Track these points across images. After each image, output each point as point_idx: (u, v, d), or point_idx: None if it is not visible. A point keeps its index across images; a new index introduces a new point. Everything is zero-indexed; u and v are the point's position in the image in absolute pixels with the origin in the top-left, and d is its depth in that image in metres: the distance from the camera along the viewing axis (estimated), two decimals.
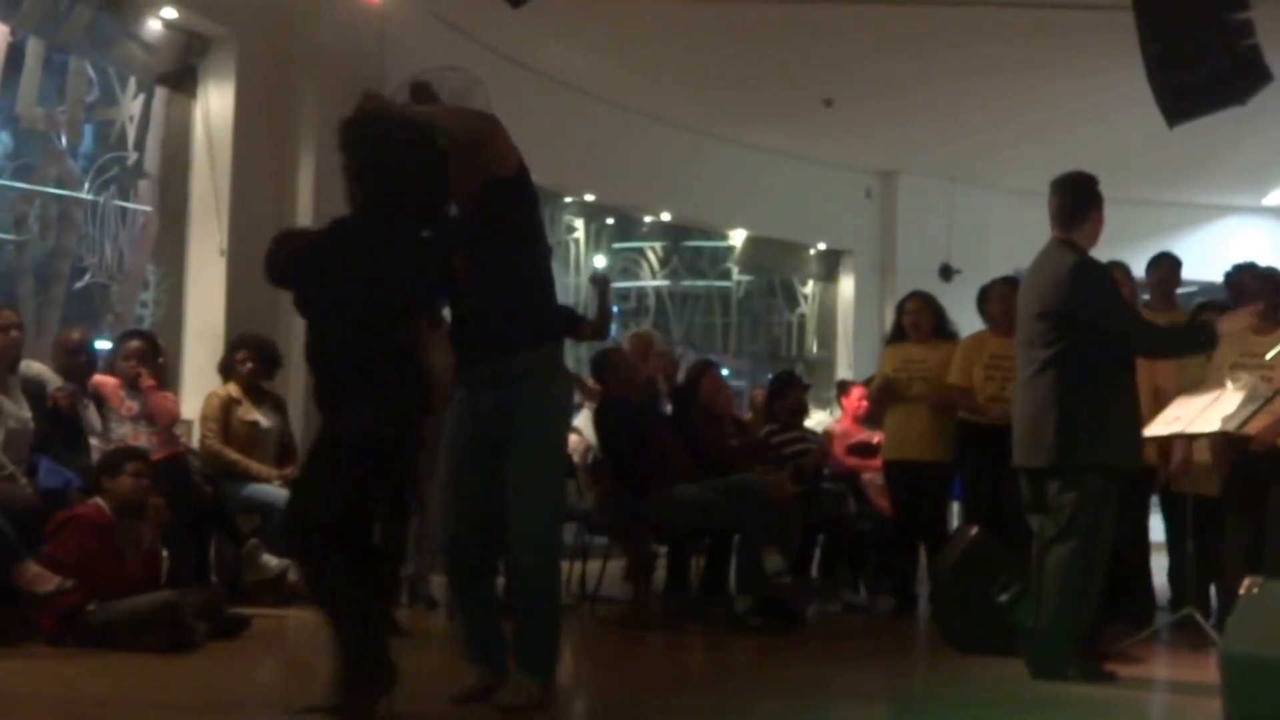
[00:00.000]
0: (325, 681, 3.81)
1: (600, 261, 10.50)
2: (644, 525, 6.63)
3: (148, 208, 7.28)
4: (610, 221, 11.56)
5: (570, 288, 10.75)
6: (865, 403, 8.17)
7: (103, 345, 6.68)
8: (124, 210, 7.15)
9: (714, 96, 10.55)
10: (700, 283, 12.35)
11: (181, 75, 7.36)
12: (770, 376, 8.96)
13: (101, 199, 7.02)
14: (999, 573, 5.56)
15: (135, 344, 6.31)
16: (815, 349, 13.08)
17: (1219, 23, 5.50)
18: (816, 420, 9.25)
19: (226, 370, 6.68)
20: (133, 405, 6.17)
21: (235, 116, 7.24)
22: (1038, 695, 4.74)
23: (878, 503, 7.56)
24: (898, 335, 7.27)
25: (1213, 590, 6.31)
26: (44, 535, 5.23)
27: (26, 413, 5.67)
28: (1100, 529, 4.91)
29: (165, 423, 6.21)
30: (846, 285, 13.15)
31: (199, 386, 6.99)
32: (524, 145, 10.32)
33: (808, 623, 6.55)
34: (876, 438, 7.77)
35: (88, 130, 7.03)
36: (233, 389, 6.60)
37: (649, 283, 11.99)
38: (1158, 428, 5.32)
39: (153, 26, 7.16)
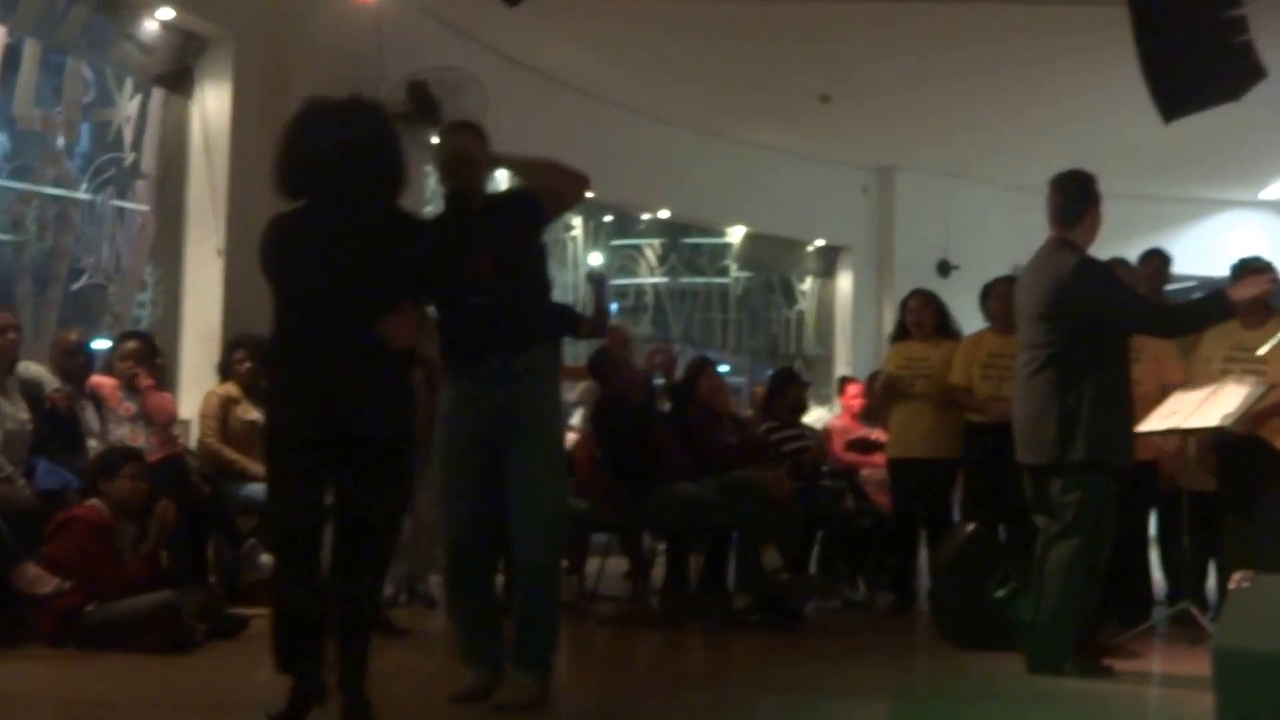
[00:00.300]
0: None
1: (597, 259, 10.50)
2: (643, 523, 6.64)
3: (145, 208, 7.27)
4: (608, 219, 11.55)
5: (568, 285, 10.76)
6: (861, 400, 8.19)
7: (103, 344, 6.70)
8: (121, 211, 7.15)
9: (711, 94, 10.54)
10: (699, 279, 12.35)
11: (178, 76, 7.35)
12: (770, 373, 8.97)
13: (99, 200, 7.02)
14: (995, 569, 5.60)
15: (132, 345, 6.31)
16: (814, 345, 13.08)
17: (1213, 19, 5.51)
18: (816, 416, 9.26)
19: (225, 370, 6.69)
20: (131, 406, 6.18)
21: (232, 117, 7.23)
22: (1035, 690, 4.76)
23: (877, 499, 7.57)
24: (901, 333, 7.29)
25: (1211, 585, 6.33)
26: (42, 537, 5.25)
27: (25, 414, 5.68)
28: (1102, 527, 4.94)
29: (163, 423, 6.22)
30: (845, 281, 13.14)
31: (197, 386, 6.99)
32: (521, 144, 10.33)
33: (807, 620, 6.55)
34: (876, 434, 7.78)
35: (85, 131, 7.02)
36: (231, 388, 6.60)
37: (647, 280, 11.99)
38: (1154, 423, 5.34)
39: (149, 27, 7.16)
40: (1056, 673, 4.83)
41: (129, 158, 7.17)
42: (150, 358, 6.30)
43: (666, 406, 7.35)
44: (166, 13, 7.10)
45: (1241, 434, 5.44)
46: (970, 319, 7.15)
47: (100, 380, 6.22)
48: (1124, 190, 12.42)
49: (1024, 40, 9.08)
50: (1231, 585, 3.13)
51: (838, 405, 9.21)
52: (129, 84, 7.16)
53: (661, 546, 7.27)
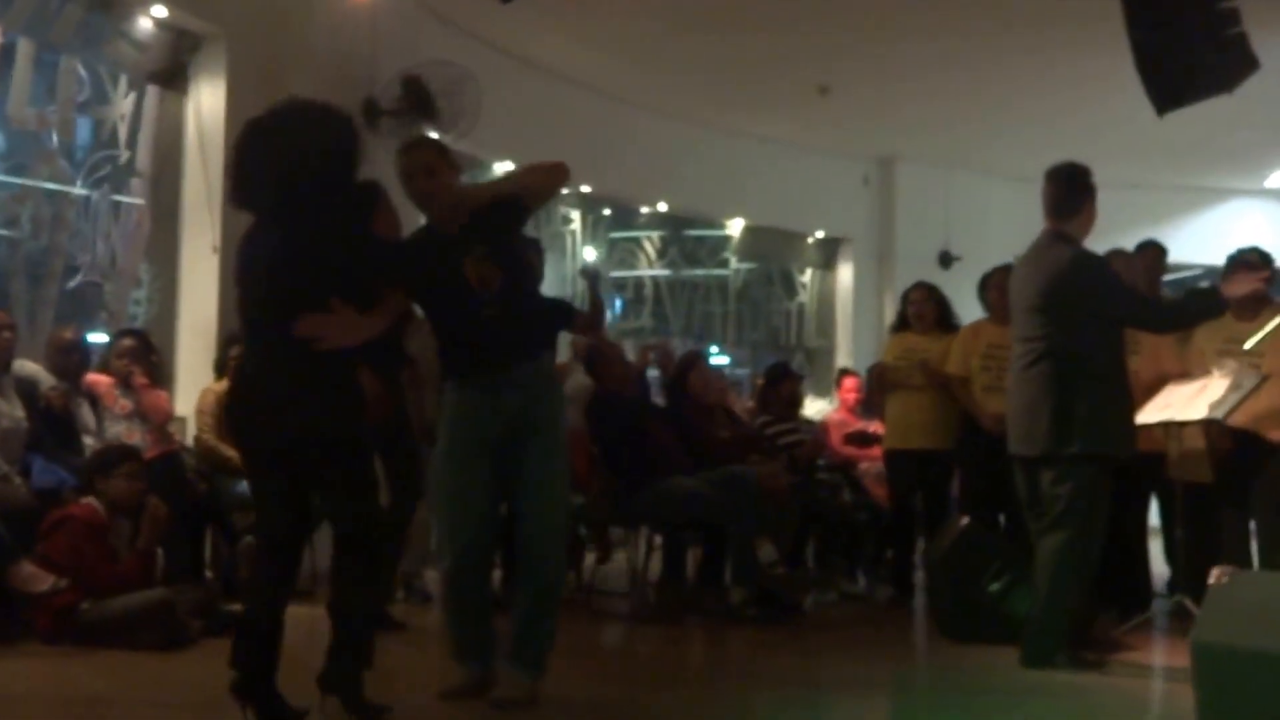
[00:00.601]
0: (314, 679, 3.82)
1: (590, 254, 10.50)
2: (638, 518, 6.64)
3: (140, 201, 7.28)
4: (607, 212, 11.54)
5: (567, 279, 10.77)
6: (858, 394, 8.19)
7: (101, 338, 6.71)
8: (116, 209, 7.15)
9: (708, 86, 10.53)
10: (698, 271, 12.34)
11: (173, 73, 7.35)
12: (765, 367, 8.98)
13: (94, 197, 7.03)
14: (990, 562, 5.60)
15: (127, 342, 6.32)
16: (814, 338, 13.07)
17: (1205, 11, 5.50)
18: (817, 409, 9.27)
19: (221, 367, 6.69)
20: (126, 403, 6.19)
21: (227, 114, 7.22)
22: (1027, 683, 4.77)
23: (874, 492, 7.57)
24: (901, 324, 7.29)
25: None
26: (38, 535, 5.27)
27: (20, 412, 5.70)
28: (1093, 520, 4.94)
29: (158, 420, 6.23)
30: (845, 273, 13.12)
31: (192, 383, 7.00)
32: (517, 137, 10.39)
33: (804, 613, 6.56)
34: (873, 427, 7.78)
35: (79, 129, 7.03)
36: (227, 385, 6.59)
37: (646, 272, 11.98)
38: (1147, 415, 5.34)
39: (143, 25, 7.15)
40: (1049, 666, 4.84)
41: (124, 155, 7.17)
42: (145, 355, 6.31)
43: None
44: (160, 10, 7.10)
45: (1235, 427, 5.45)
46: (972, 310, 7.14)
47: (96, 378, 6.23)
48: (1128, 179, 12.46)
49: (1024, 29, 9.05)
50: (1211, 581, 3.13)
51: (837, 398, 9.21)
52: (123, 82, 7.16)
53: (658, 540, 7.27)
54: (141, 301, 7.31)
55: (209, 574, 6.32)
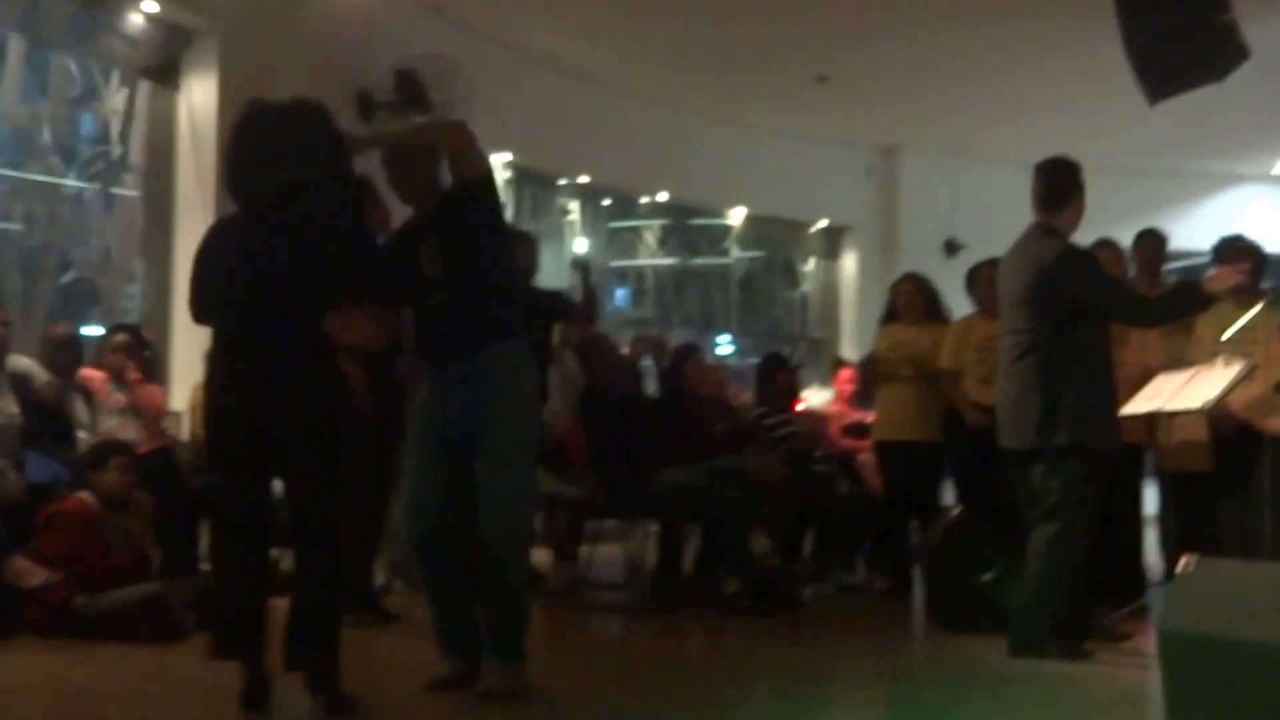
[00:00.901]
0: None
1: (582, 245, 10.50)
2: (632, 511, 6.65)
3: (134, 194, 7.30)
4: (606, 203, 11.53)
5: (565, 271, 10.76)
6: (852, 385, 8.17)
7: (98, 333, 6.74)
8: (110, 204, 7.18)
9: (707, 76, 10.51)
10: (700, 260, 12.32)
11: (165, 68, 7.36)
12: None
13: (87, 193, 7.05)
14: (982, 553, 5.61)
15: (120, 337, 6.33)
16: (818, 328, 13.05)
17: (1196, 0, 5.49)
18: (820, 400, 9.25)
19: None
20: (120, 398, 6.20)
21: (219, 108, 7.21)
22: (1013, 673, 4.80)
23: (873, 483, 7.56)
24: (890, 316, 7.29)
25: None
26: (32, 529, 5.30)
27: (14, 407, 5.71)
28: (1084, 512, 4.96)
29: (152, 415, 6.24)
30: (849, 263, 13.09)
31: (186, 378, 7.00)
32: (515, 128, 10.40)
33: (799, 604, 6.55)
34: (871, 418, 7.77)
35: (72, 125, 7.05)
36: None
37: (648, 261, 11.97)
38: (1136, 405, 5.34)
39: (134, 20, 7.15)
40: (1037, 655, 4.86)
41: (117, 151, 7.20)
42: (138, 350, 6.32)
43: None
44: (151, 5, 7.10)
45: (1225, 415, 5.46)
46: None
47: (89, 373, 6.24)
48: (1135, 165, 12.44)
49: (1025, 17, 8.99)
50: (1178, 569, 3.15)
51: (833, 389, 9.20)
52: (115, 77, 7.18)
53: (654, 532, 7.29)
54: (135, 296, 7.33)
55: (205, 567, 6.33)
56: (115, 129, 7.19)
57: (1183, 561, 3.12)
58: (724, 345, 12.33)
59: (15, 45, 6.56)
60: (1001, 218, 11.94)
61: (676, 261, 12.12)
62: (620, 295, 11.98)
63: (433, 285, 4.12)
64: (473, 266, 4.13)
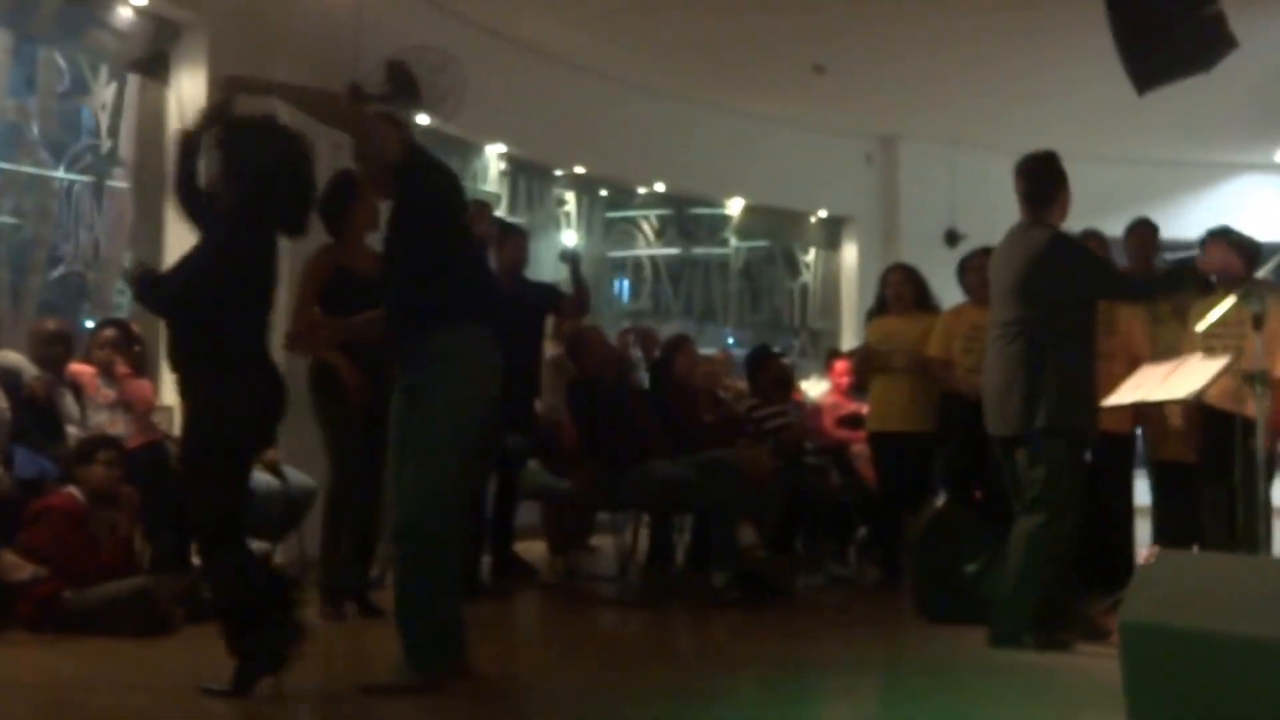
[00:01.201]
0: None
1: (570, 238, 10.49)
2: (620, 503, 6.67)
3: (123, 186, 7.30)
4: (603, 193, 11.51)
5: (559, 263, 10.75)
6: (846, 378, 8.17)
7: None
8: (100, 198, 7.17)
9: (702, 65, 10.47)
10: (699, 250, 12.30)
11: (154, 62, 7.34)
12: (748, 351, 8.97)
13: (77, 187, 7.05)
14: (967, 543, 5.62)
15: (109, 332, 6.33)
16: (818, 318, 13.03)
17: None
18: (819, 391, 9.25)
19: None
20: (109, 393, 6.20)
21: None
22: (990, 663, 4.83)
23: (866, 474, 7.56)
24: (880, 307, 7.29)
25: None
26: (20, 524, 5.31)
27: (3, 403, 5.71)
28: (1066, 504, 4.99)
29: (141, 410, 6.24)
30: (850, 253, 13.05)
31: None
32: (510, 119, 10.35)
33: (790, 596, 6.56)
34: (865, 409, 7.77)
35: (60, 119, 7.04)
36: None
37: (645, 252, 11.95)
38: (1120, 396, 5.34)
39: (123, 14, 7.13)
40: (1016, 645, 4.88)
41: (106, 145, 7.18)
42: (127, 345, 6.32)
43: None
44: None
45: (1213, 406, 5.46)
46: None
47: (79, 368, 6.24)
48: (1137, 155, 12.39)
49: (1022, 4, 8.93)
50: (1140, 560, 3.17)
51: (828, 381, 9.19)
52: (104, 71, 7.17)
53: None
54: (124, 291, 7.33)
55: (196, 562, 6.34)
56: (104, 123, 7.18)
57: (1144, 553, 3.13)
58: (729, 339, 12.30)
59: (2, 40, 6.55)
60: (1002, 208, 11.83)
61: (676, 252, 12.09)
62: (619, 286, 11.95)
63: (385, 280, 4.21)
64: (401, 257, 4.15)
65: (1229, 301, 5.08)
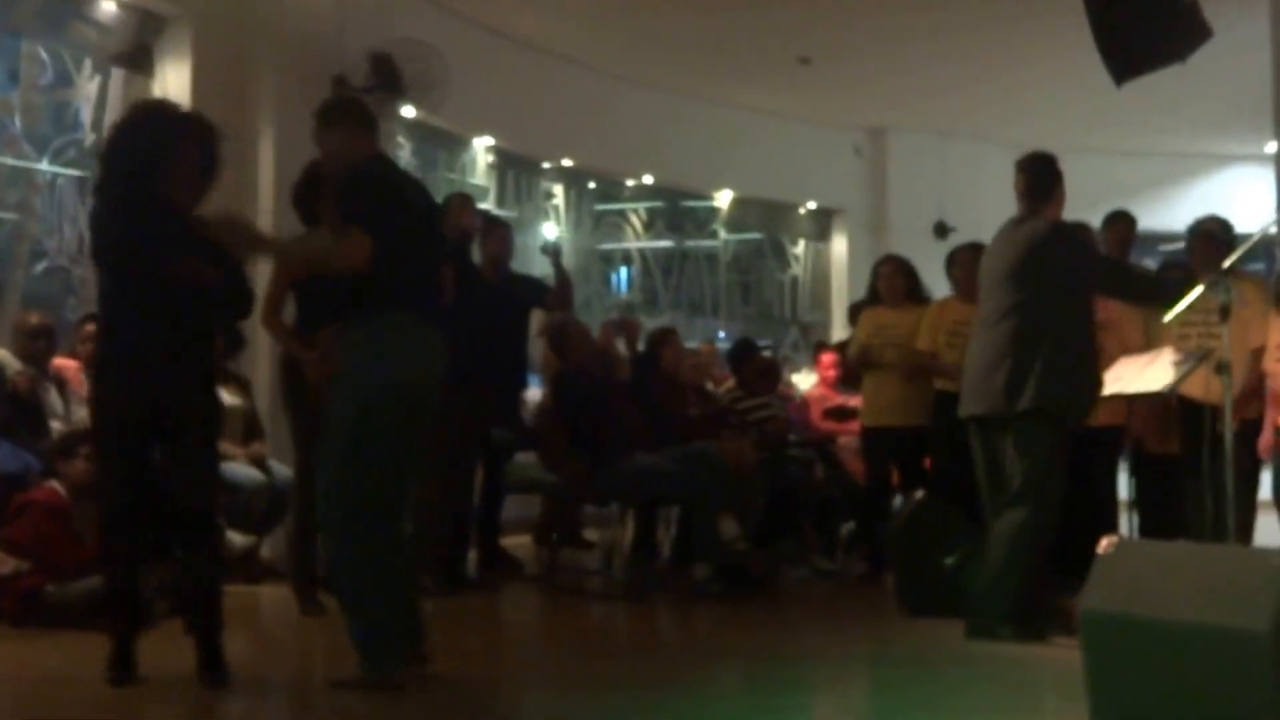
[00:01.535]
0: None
1: (552, 231, 10.50)
2: (603, 495, 6.68)
3: None
4: (592, 186, 11.52)
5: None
6: (834, 370, 8.18)
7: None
8: (83, 192, 7.18)
9: (689, 57, 10.46)
10: (688, 243, 12.31)
11: (138, 56, 7.35)
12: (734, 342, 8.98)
13: (60, 182, 7.05)
14: (946, 536, 5.64)
15: (93, 326, 6.34)
16: (808, 311, 13.04)
17: None
18: (811, 383, 9.26)
19: None
20: None
21: (193, 95, 7.17)
22: (964, 655, 4.86)
23: (853, 467, 7.57)
24: (871, 298, 7.29)
25: None
26: (3, 519, 5.33)
27: None
28: (1048, 498, 4.99)
29: None
30: (839, 245, 13.06)
31: None
32: (497, 112, 10.33)
33: (772, 589, 6.58)
34: (853, 401, 7.79)
35: (44, 113, 7.05)
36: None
37: (634, 244, 11.96)
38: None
39: (106, 7, 7.15)
40: (993, 637, 4.90)
41: (90, 139, 7.19)
42: None
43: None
44: None
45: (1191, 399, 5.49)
46: None
47: (63, 362, 6.26)
48: (1126, 146, 12.40)
49: None
50: (1100, 550, 3.20)
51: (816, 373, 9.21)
52: (88, 65, 7.17)
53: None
54: None
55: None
56: (88, 117, 7.19)
57: (1104, 543, 3.16)
58: (719, 332, 12.31)
59: None
60: (992, 200, 11.81)
61: (665, 245, 12.10)
62: (616, 279, 11.96)
63: None
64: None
65: (1197, 291, 5.10)
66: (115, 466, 4.14)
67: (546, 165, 10.93)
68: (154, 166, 4.12)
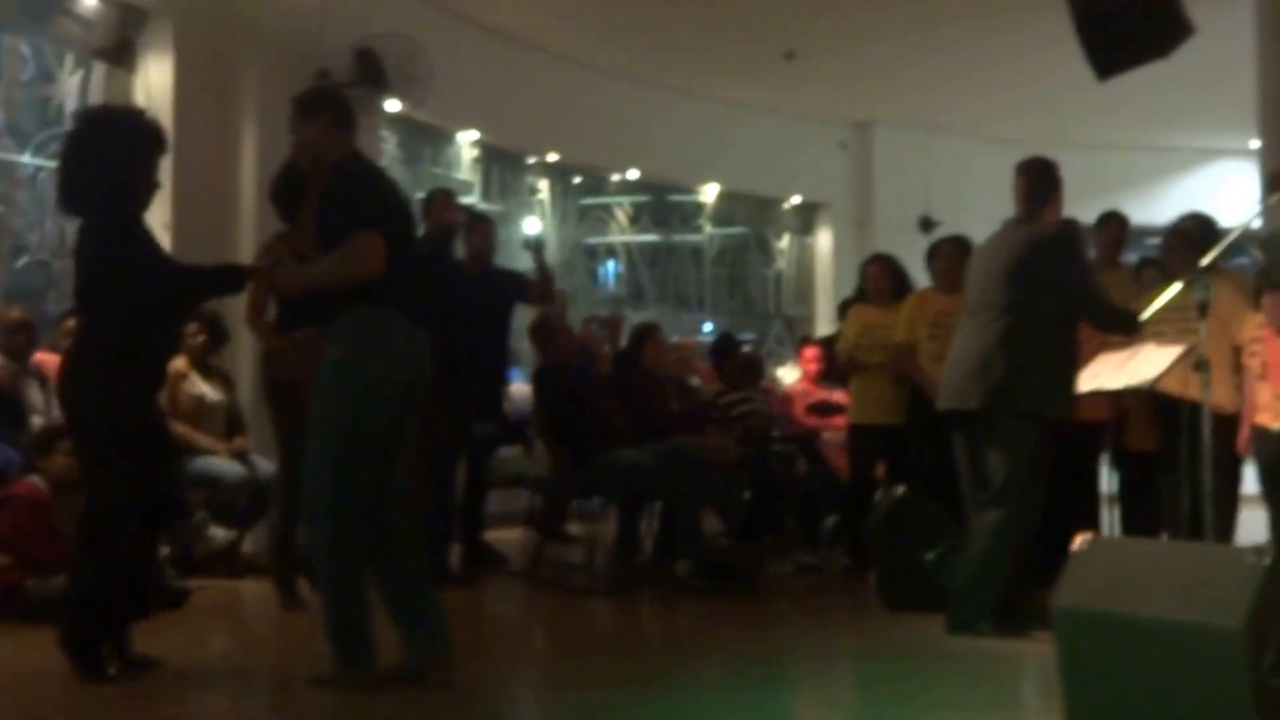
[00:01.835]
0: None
1: (533, 225, 10.49)
2: (584, 490, 6.69)
3: None
4: (577, 180, 11.51)
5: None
6: (818, 364, 8.19)
7: None
8: None
9: (674, 52, 10.46)
10: (675, 237, 12.32)
11: (120, 50, 7.33)
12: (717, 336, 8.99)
13: (42, 175, 7.03)
14: (926, 531, 5.65)
15: (74, 321, 6.32)
16: (793, 304, 13.06)
17: None
18: (793, 378, 9.28)
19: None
20: None
21: (175, 90, 7.19)
22: (942, 650, 4.87)
23: (836, 462, 7.59)
24: (859, 296, 7.30)
25: None
26: None
27: None
28: (1031, 495, 5.01)
29: None
30: (824, 239, 13.09)
31: None
32: (482, 106, 10.30)
33: (754, 584, 6.58)
34: (836, 396, 7.80)
35: (25, 107, 7.02)
36: (180, 363, 6.63)
37: (619, 238, 11.96)
38: (1078, 384, 5.37)
39: (87, 2, 7.13)
40: (973, 633, 4.92)
41: None
42: None
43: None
44: None
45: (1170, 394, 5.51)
46: None
47: (44, 357, 6.24)
48: (1112, 140, 12.42)
49: None
50: (1074, 547, 3.22)
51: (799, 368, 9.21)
52: (69, 60, 7.15)
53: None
54: None
55: (167, 549, 6.34)
56: (70, 111, 7.16)
57: (1078, 540, 3.18)
58: (705, 325, 12.32)
59: None
60: (976, 194, 12.06)
61: (650, 239, 12.10)
62: (602, 273, 11.96)
63: None
64: (321, 244, 4.15)
65: (1174, 289, 5.12)
66: (125, 468, 4.14)
67: (531, 160, 10.92)
68: (134, 186, 4.26)
